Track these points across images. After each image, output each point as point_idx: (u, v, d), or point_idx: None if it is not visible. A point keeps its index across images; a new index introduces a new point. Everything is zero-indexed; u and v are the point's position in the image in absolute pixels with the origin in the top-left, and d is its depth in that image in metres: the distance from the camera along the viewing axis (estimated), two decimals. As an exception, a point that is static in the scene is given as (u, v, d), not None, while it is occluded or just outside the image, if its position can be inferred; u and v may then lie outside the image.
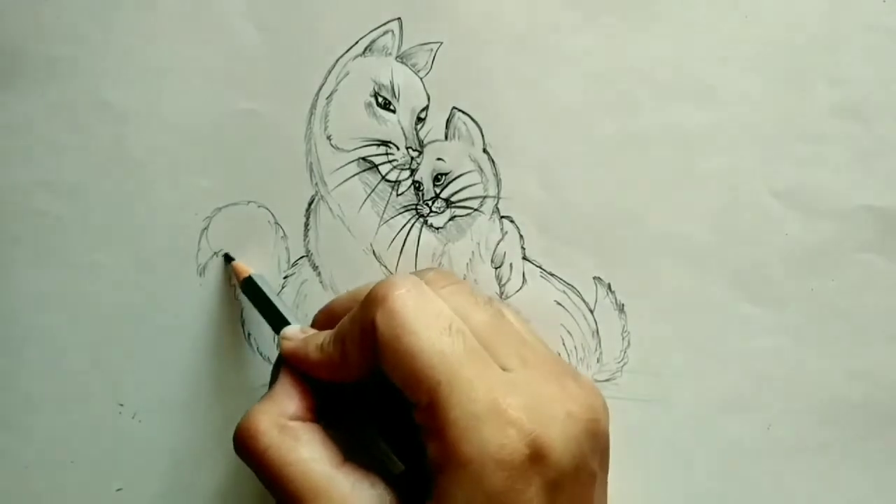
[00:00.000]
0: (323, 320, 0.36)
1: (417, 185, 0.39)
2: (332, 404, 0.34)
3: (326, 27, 0.38)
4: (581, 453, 0.30)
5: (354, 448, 0.32)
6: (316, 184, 0.39)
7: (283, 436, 0.31)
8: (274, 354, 0.39)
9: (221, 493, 0.39)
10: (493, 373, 0.30)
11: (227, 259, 0.39)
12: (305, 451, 0.31)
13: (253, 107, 0.38)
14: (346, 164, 0.39)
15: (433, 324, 0.30)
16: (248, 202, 0.39)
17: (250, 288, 0.37)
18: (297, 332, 0.35)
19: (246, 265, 0.38)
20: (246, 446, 0.31)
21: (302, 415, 0.33)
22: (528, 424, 0.29)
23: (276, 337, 0.36)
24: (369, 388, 0.33)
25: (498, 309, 0.33)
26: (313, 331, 0.35)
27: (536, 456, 0.29)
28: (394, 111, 0.38)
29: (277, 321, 0.36)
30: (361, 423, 0.33)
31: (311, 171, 0.39)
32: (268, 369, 0.39)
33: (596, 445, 0.31)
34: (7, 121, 0.39)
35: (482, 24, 0.38)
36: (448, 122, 0.38)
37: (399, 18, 0.38)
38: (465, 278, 0.39)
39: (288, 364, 0.34)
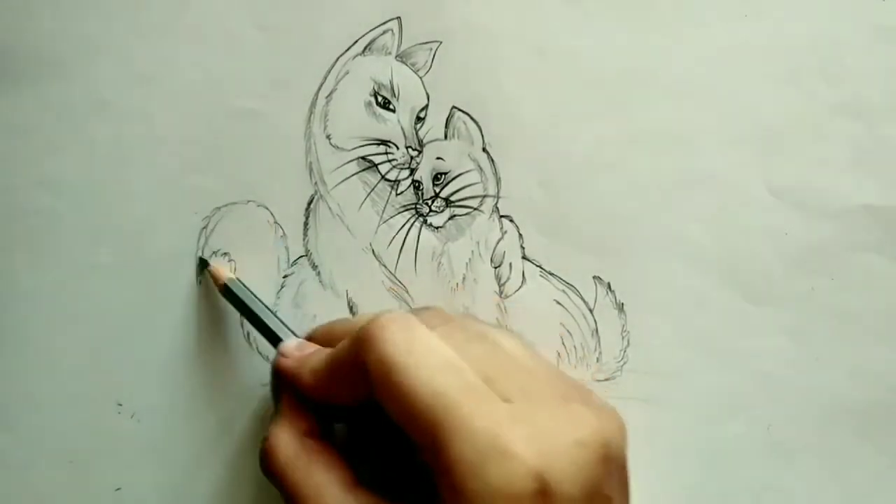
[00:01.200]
0: (322, 339, 0.36)
1: (417, 185, 0.39)
2: (336, 420, 0.34)
3: (326, 26, 0.38)
4: (592, 481, 0.29)
5: (364, 468, 0.32)
6: (315, 183, 0.39)
7: (300, 454, 0.32)
8: (272, 353, 0.39)
9: (221, 493, 0.39)
10: (494, 407, 0.29)
11: (203, 264, 0.38)
12: (320, 473, 0.31)
13: (252, 106, 0.38)
14: (346, 164, 0.39)
15: (426, 362, 0.29)
16: (248, 201, 0.39)
17: (230, 295, 0.37)
18: (293, 349, 0.35)
19: (222, 269, 0.38)
20: (267, 464, 0.32)
21: (314, 430, 0.33)
22: (532, 457, 0.28)
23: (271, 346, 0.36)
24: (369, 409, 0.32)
25: (494, 340, 0.32)
26: (310, 346, 0.35)
27: (544, 489, 0.28)
28: (393, 110, 0.38)
29: (266, 330, 0.36)
30: (368, 442, 0.33)
31: (311, 170, 0.39)
32: (267, 368, 0.38)
33: (610, 469, 0.30)
34: (6, 120, 0.38)
35: (482, 23, 0.38)
36: (448, 121, 0.38)
37: (399, 17, 0.38)
38: (464, 278, 0.39)
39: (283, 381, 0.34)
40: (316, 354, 0.34)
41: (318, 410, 0.34)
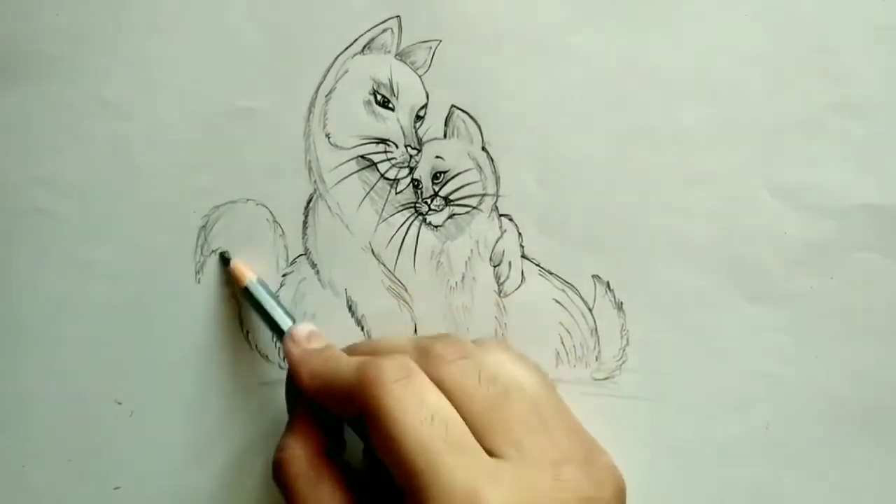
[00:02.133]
0: (366, 352, 0.36)
1: (416, 184, 0.39)
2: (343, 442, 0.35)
3: (325, 25, 0.38)
4: None
5: (369, 492, 0.33)
6: (314, 182, 0.39)
7: (309, 472, 0.33)
8: (272, 352, 0.39)
9: (219, 492, 0.39)
10: (478, 462, 0.30)
11: (224, 260, 0.38)
12: (325, 494, 0.32)
13: (252, 105, 0.38)
14: (345, 163, 0.39)
15: (415, 413, 0.30)
16: (247, 200, 0.39)
17: (249, 295, 0.37)
18: (303, 337, 0.35)
19: (245, 268, 0.38)
20: (278, 476, 0.33)
21: (324, 448, 0.34)
22: None
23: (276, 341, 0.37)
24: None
25: (504, 387, 0.32)
26: (320, 340, 0.36)
27: None
28: (393, 109, 0.38)
29: (279, 329, 0.37)
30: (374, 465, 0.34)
31: (310, 169, 0.39)
32: (266, 367, 0.39)
33: None
34: (5, 119, 0.39)
35: (481, 22, 0.38)
36: (447, 120, 0.38)
37: (398, 16, 0.38)
38: (463, 277, 0.39)
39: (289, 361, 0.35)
40: (320, 354, 0.34)
41: (330, 425, 0.34)
